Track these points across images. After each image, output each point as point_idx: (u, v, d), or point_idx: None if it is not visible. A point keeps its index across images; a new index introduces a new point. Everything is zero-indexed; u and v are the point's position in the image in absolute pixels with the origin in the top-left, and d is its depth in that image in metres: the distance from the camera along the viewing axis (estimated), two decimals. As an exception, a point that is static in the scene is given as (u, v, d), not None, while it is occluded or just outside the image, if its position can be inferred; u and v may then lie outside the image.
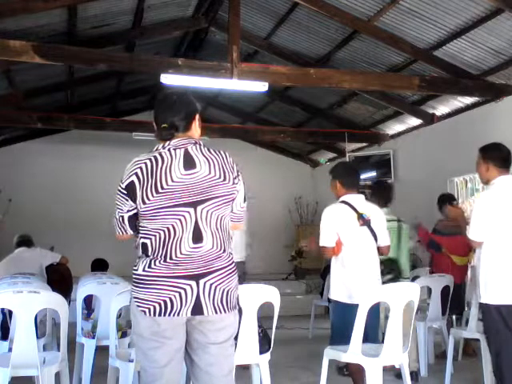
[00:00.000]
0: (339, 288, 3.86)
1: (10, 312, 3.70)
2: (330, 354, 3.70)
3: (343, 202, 3.95)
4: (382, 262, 4.20)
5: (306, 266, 10.19)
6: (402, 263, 4.83)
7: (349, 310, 3.65)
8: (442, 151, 8.00)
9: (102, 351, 4.21)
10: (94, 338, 4.30)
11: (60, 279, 5.69)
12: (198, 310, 2.36)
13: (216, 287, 2.38)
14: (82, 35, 6.80)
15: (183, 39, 8.44)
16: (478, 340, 4.55)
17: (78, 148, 10.62)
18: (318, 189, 11.87)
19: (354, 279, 3.81)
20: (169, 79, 6.21)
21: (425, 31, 6.39)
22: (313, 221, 11.70)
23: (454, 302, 5.27)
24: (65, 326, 3.39)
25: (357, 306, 3.53)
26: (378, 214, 4.03)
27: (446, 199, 5.79)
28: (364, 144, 10.14)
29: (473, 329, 4.48)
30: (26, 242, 6.03)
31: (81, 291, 4.53)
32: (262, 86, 6.45)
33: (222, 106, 10.57)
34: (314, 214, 11.69)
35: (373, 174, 9.42)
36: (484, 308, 3.73)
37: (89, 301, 5.06)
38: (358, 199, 3.96)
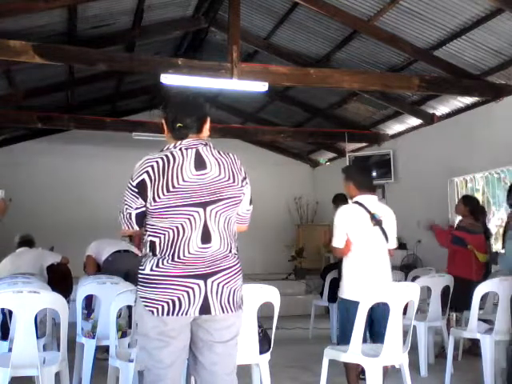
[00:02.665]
0: (352, 287, 3.85)
1: (10, 312, 3.70)
2: (330, 354, 3.70)
3: (356, 202, 3.96)
4: None
5: (306, 266, 10.19)
6: None
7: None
8: (442, 151, 8.00)
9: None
10: (94, 337, 4.30)
11: (61, 279, 5.69)
12: (205, 309, 2.37)
13: (223, 286, 2.39)
14: (81, 35, 6.80)
15: (183, 39, 8.45)
16: (478, 340, 4.55)
17: (78, 148, 10.63)
18: (318, 189, 11.89)
19: (365, 278, 3.82)
20: (169, 79, 6.21)
21: (425, 31, 6.39)
22: (313, 221, 11.72)
23: (468, 298, 5.16)
24: (65, 326, 3.39)
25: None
26: (390, 216, 4.03)
27: (476, 205, 5.95)
28: (364, 144, 10.14)
29: (473, 329, 4.47)
30: (27, 242, 6.04)
31: (81, 291, 4.53)
32: (262, 86, 6.45)
33: (222, 105, 10.57)
34: (314, 214, 11.71)
35: (373, 174, 9.41)
36: None
37: (89, 301, 5.06)
38: (370, 200, 3.97)
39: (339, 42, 7.21)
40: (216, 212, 2.40)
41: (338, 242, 3.91)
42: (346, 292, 3.87)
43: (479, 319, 4.50)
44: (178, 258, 2.35)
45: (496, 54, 6.37)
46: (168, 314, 2.34)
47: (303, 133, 10.18)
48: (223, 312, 2.40)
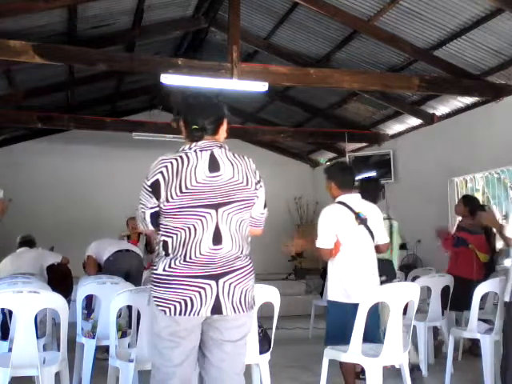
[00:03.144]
0: (337, 288, 3.84)
1: (10, 312, 3.70)
2: (330, 354, 3.69)
3: (340, 202, 3.94)
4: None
5: (306, 266, 10.18)
6: (394, 264, 4.82)
7: (347, 310, 3.65)
8: (442, 151, 8.00)
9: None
10: (94, 337, 4.30)
11: (61, 279, 5.69)
12: (217, 309, 2.40)
13: (235, 287, 2.42)
14: (81, 35, 6.80)
15: (183, 39, 8.45)
16: (478, 340, 4.55)
17: (78, 148, 10.63)
18: (318, 189, 11.86)
19: (352, 279, 3.80)
20: (169, 79, 6.22)
21: (425, 31, 6.39)
22: (313, 221, 11.71)
23: (468, 298, 5.14)
24: (65, 326, 3.39)
25: (355, 305, 3.54)
26: (374, 213, 4.01)
27: (476, 205, 5.87)
28: (364, 144, 10.14)
29: (473, 329, 4.47)
30: (28, 242, 6.05)
31: (81, 291, 4.53)
32: (262, 86, 6.45)
33: (222, 105, 10.57)
34: (314, 214, 11.70)
35: (373, 173, 9.42)
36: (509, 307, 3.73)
37: (89, 301, 5.07)
38: (354, 199, 3.95)
39: (339, 42, 7.21)
40: (228, 214, 2.42)
41: (325, 243, 3.86)
42: (335, 294, 3.84)
43: (479, 319, 4.50)
44: (190, 258, 2.38)
45: (496, 53, 6.37)
46: (180, 314, 2.37)
47: (303, 133, 10.18)
48: (235, 312, 2.42)
